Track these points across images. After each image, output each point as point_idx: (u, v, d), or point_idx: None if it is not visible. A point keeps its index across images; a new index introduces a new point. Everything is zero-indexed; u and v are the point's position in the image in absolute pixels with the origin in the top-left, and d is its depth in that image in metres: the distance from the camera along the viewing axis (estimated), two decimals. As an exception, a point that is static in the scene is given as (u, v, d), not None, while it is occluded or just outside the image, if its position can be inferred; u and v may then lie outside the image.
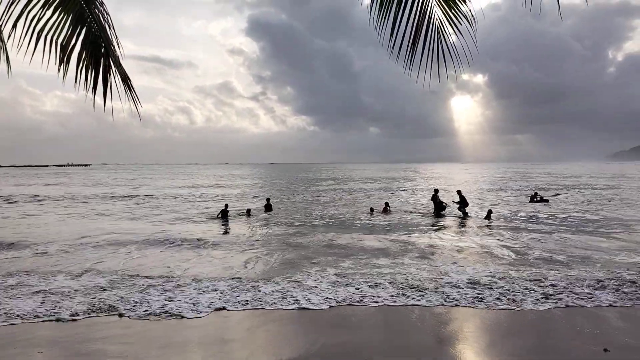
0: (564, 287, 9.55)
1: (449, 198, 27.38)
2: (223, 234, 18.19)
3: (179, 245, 15.41)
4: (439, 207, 23.53)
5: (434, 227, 19.22)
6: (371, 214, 24.43)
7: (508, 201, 30.61)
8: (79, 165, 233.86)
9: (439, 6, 3.62)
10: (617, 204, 28.83)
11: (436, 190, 24.61)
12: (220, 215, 22.97)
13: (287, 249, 14.36)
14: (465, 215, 22.54)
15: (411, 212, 25.27)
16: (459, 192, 24.01)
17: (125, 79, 3.29)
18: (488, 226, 19.20)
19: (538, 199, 29.70)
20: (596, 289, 9.40)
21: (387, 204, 25.57)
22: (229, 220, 21.93)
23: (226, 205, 24.00)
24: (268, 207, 25.79)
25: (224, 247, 14.96)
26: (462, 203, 23.16)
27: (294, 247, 14.68)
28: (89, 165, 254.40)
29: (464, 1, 3.62)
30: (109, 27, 3.24)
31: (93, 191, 45.16)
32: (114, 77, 3.35)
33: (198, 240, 16.19)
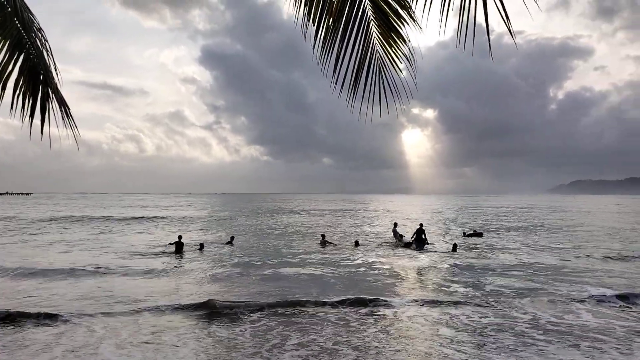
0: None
1: (409, 230, 27.70)
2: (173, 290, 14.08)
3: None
4: (423, 242, 23.88)
5: (406, 270, 17.40)
6: (323, 244, 24.63)
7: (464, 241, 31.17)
8: (19, 194, 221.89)
9: (380, 45, 3.79)
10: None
11: (420, 225, 24.89)
12: (174, 249, 21.54)
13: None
14: (417, 248, 23.20)
15: (380, 244, 25.41)
16: (421, 225, 24.71)
17: (63, 106, 3.22)
18: (457, 265, 18.80)
19: (471, 232, 30.28)
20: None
21: (357, 242, 25.12)
22: (183, 256, 20.66)
23: (180, 237, 22.30)
24: (230, 242, 25.07)
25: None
26: (418, 238, 23.79)
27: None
28: (31, 194, 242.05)
29: (404, 42, 3.81)
30: (48, 54, 3.19)
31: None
32: (52, 104, 3.27)
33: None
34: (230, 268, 17.63)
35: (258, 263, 18.79)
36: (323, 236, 26.01)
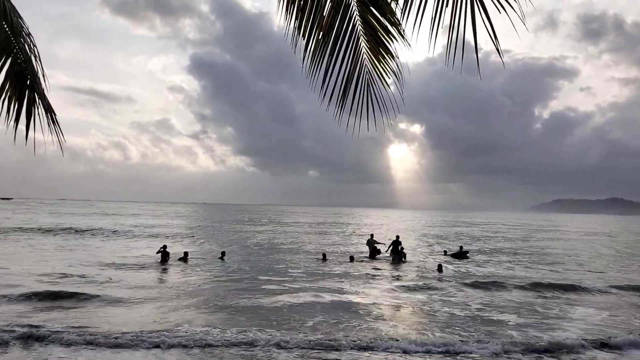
0: None
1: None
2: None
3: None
4: (399, 254, 23.98)
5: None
6: (324, 260, 24.11)
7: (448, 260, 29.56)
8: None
9: (369, 60, 3.84)
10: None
11: (397, 237, 25.04)
12: (159, 256, 21.29)
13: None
14: (394, 261, 23.39)
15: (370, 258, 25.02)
16: (397, 237, 24.89)
17: (49, 112, 3.20)
18: (439, 279, 18.98)
19: (456, 252, 28.28)
20: None
21: (352, 257, 24.52)
22: (169, 266, 20.28)
23: (164, 247, 21.91)
24: (221, 257, 23.92)
25: None
26: (394, 250, 23.86)
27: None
28: (11, 199, 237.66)
29: (393, 58, 3.87)
30: (36, 59, 3.17)
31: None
32: (39, 109, 3.24)
33: None
34: (214, 290, 15.82)
35: (246, 284, 17.01)
36: (324, 255, 25.29)
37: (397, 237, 24.79)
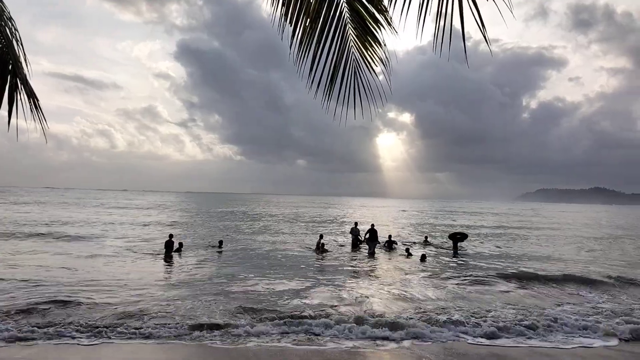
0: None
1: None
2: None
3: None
4: (375, 242, 23.66)
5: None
6: (318, 246, 23.84)
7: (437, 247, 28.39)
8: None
9: (356, 48, 3.82)
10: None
11: (372, 225, 24.59)
12: (164, 251, 20.36)
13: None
14: (369, 249, 23.13)
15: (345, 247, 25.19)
16: (372, 225, 24.46)
17: (32, 98, 3.14)
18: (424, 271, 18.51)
19: (455, 233, 27.53)
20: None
21: (322, 244, 24.31)
22: (174, 258, 19.53)
23: (170, 236, 21.25)
24: (219, 246, 23.59)
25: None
26: (372, 238, 23.58)
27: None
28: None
29: (380, 45, 3.85)
30: (18, 44, 3.10)
31: None
32: (21, 95, 3.19)
33: None
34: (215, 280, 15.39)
35: (242, 276, 16.18)
36: (321, 236, 25.36)
37: (372, 225, 24.48)
